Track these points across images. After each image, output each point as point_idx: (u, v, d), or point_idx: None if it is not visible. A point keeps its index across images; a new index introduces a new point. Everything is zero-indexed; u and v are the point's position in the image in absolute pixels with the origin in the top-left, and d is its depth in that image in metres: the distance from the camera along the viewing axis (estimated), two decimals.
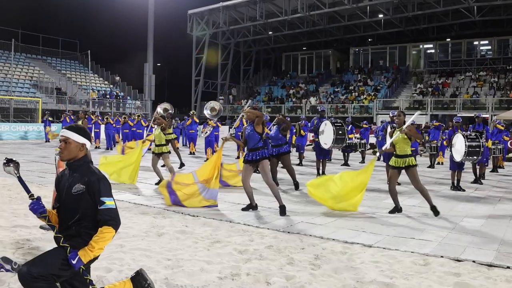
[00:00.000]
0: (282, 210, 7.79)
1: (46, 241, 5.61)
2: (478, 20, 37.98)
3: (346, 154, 17.58)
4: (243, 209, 8.07)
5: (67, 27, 46.99)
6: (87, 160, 3.48)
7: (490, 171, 15.57)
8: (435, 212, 7.94)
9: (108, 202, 3.27)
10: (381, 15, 40.10)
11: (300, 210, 8.20)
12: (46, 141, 27.50)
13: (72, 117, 24.83)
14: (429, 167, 17.18)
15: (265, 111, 38.18)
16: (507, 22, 38.89)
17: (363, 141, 18.99)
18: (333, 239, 6.11)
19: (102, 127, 25.14)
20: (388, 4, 37.81)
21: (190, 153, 21.03)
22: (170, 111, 14.95)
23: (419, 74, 42.17)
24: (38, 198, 3.36)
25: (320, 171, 13.29)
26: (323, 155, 13.31)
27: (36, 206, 3.30)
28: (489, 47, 42.13)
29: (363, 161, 19.02)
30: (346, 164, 17.39)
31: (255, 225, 6.89)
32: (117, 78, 46.21)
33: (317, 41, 48.65)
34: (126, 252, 5.23)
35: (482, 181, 12.86)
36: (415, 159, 8.18)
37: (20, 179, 3.45)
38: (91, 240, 3.23)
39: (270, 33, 46.47)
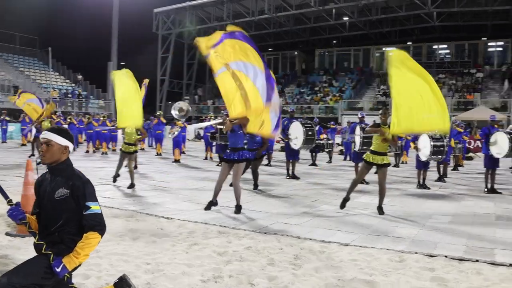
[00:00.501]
0: (238, 209, 8.00)
1: (14, 249, 5.40)
2: (438, 25, 39.14)
3: (314, 154, 17.79)
4: (205, 209, 8.10)
5: (26, 22, 45.15)
6: (70, 163, 3.34)
7: (452, 170, 16.11)
8: (381, 211, 8.14)
9: (94, 207, 3.15)
10: (346, 18, 40.74)
11: (274, 211, 8.25)
12: (2, 142, 26.50)
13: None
14: (394, 166, 17.53)
15: None
16: (464, 28, 40.29)
17: (330, 141, 19.24)
18: (310, 239, 6.18)
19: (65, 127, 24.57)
20: (353, 7, 38.48)
21: (157, 154, 20.85)
22: None
23: (383, 76, 42.99)
24: (17, 204, 3.22)
25: (290, 172, 13.41)
26: (292, 156, 13.41)
27: (16, 212, 3.16)
28: (448, 51, 43.56)
29: (330, 161, 19.30)
30: (314, 164, 17.60)
31: (231, 226, 6.89)
32: (80, 76, 45.11)
33: (283, 42, 48.96)
34: (103, 257, 5.10)
35: (445, 179, 13.29)
36: (398, 157, 8.38)
37: None
38: (75, 246, 3.11)
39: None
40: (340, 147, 24.39)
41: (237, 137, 8.13)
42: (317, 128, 17.82)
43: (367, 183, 12.29)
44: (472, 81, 37.75)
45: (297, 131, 12.70)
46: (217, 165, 16.59)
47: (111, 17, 44.01)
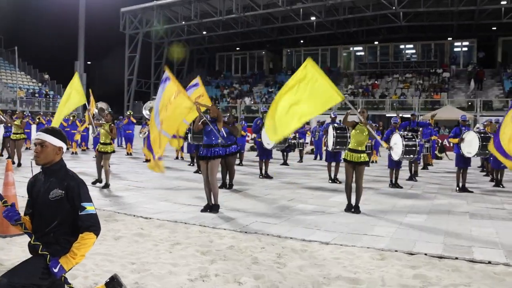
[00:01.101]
0: (216, 208, 8.04)
1: None
2: (404, 25, 39.73)
3: (285, 153, 17.89)
4: (202, 211, 8.04)
5: None
6: (64, 164, 3.35)
7: (421, 169, 16.41)
8: (357, 211, 8.28)
9: (89, 208, 3.17)
10: (313, 18, 40.98)
11: (251, 210, 8.28)
12: None
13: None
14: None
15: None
16: (429, 28, 41.03)
17: (301, 141, 19.37)
18: (291, 238, 6.24)
19: (33, 127, 24.14)
20: (321, 7, 38.77)
21: (127, 154, 20.64)
22: (106, 111, 14.60)
23: (350, 76, 43.49)
24: (13, 205, 3.22)
25: (263, 171, 13.45)
26: (265, 155, 13.47)
27: (11, 213, 3.17)
28: (414, 51, 44.15)
29: (301, 160, 19.42)
30: (285, 163, 17.69)
31: (211, 226, 6.90)
32: (46, 76, 44.20)
33: (250, 42, 48.94)
34: (87, 257, 4.91)
35: (416, 178, 13.53)
36: (368, 156, 8.47)
37: None
38: (71, 247, 3.13)
39: (204, 33, 46.32)
40: (310, 147, 24.59)
41: (211, 134, 8.14)
42: None
43: (340, 182, 12.44)
44: (438, 81, 38.44)
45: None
46: (189, 165, 16.52)
47: (77, 16, 43.24)
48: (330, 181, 12.65)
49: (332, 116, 13.81)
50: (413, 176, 13.41)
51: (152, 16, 44.98)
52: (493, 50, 40.33)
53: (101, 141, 10.85)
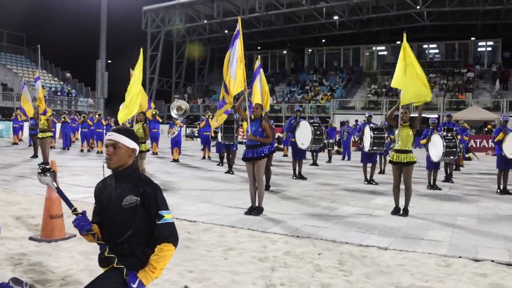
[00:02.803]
0: (259, 211, 7.85)
1: (45, 255, 5.15)
2: (428, 25, 39.23)
3: (315, 154, 17.65)
4: (246, 213, 7.85)
5: (13, 20, 44.50)
6: (136, 167, 3.08)
7: (453, 170, 16.01)
8: (405, 213, 8.01)
9: (167, 216, 2.88)
10: (336, 17, 40.70)
11: (296, 213, 8.07)
12: None
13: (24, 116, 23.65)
14: None
15: None
16: (454, 28, 40.45)
17: (330, 141, 19.13)
18: (346, 243, 6.01)
19: (58, 126, 24.21)
20: (344, 6, 38.49)
21: (153, 153, 20.54)
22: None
23: (373, 75, 43.03)
24: (83, 213, 2.92)
25: (297, 172, 13.24)
26: (299, 155, 13.25)
27: (83, 223, 2.86)
28: (437, 51, 43.66)
29: (329, 161, 19.17)
30: (315, 163, 17.45)
31: (260, 230, 6.69)
32: (68, 74, 44.48)
33: (272, 41, 48.80)
34: None
35: (452, 179, 13.18)
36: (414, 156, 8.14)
37: (59, 191, 3.04)
38: (146, 258, 2.87)
39: (226, 31, 46.21)
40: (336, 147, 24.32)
41: (257, 135, 7.95)
42: None
43: (376, 183, 12.19)
44: (463, 81, 37.85)
45: (304, 131, 12.53)
46: (218, 164, 16.36)
47: (99, 15, 43.48)
48: (366, 182, 12.39)
49: (367, 115, 13.52)
50: (449, 177, 13.08)
51: (174, 15, 45.07)
52: None
53: None
